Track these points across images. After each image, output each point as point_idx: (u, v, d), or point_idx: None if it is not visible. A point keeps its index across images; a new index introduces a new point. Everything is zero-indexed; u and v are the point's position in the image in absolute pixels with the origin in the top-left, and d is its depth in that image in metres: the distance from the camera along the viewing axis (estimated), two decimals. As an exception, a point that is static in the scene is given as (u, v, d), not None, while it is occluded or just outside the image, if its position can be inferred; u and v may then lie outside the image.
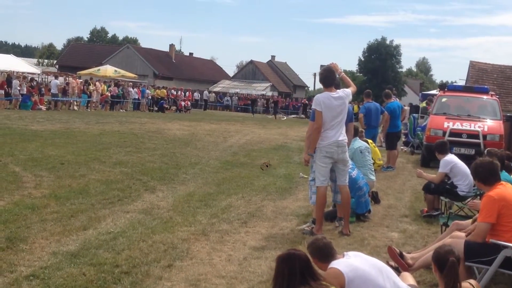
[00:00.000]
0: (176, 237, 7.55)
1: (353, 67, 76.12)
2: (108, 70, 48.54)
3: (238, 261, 6.73)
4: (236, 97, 65.25)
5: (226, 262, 6.68)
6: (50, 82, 39.70)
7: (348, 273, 4.54)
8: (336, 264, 4.66)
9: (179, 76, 73.46)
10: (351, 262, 4.68)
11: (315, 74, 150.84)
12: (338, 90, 8.27)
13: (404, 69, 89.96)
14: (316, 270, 4.35)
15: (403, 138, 22.90)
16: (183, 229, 8.01)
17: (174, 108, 46.11)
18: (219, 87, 74.00)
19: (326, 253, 4.78)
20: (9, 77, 33.13)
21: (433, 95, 24.94)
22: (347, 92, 8.33)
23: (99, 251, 6.69)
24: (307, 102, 56.64)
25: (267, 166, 13.67)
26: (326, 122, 8.12)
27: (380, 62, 72.70)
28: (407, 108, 24.77)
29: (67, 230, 7.51)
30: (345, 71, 9.00)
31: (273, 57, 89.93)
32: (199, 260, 6.68)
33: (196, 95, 60.42)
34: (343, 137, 8.28)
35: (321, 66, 10.02)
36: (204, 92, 61.84)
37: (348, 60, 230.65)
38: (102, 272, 6.00)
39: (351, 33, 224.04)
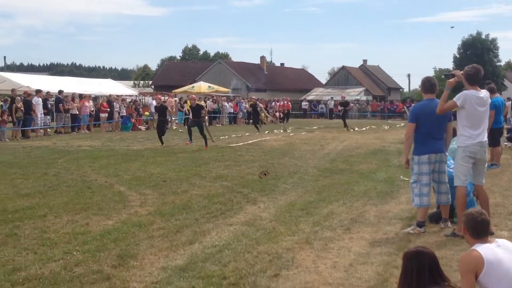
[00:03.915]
0: (281, 247, 7.57)
1: (449, 64, 73.88)
2: (202, 86, 49.61)
3: (344, 268, 6.67)
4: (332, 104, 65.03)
5: (332, 269, 6.64)
6: (147, 102, 40.87)
7: (488, 264, 4.24)
8: (482, 248, 4.39)
9: (272, 87, 73.94)
10: (498, 252, 4.38)
11: (409, 75, 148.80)
12: (482, 90, 8.24)
13: (502, 63, 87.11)
14: (443, 271, 4.20)
15: (505, 134, 22.13)
16: (287, 238, 8.03)
17: (270, 119, 46.34)
18: (312, 95, 73.90)
19: (479, 229, 4.56)
20: (109, 100, 34.37)
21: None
22: (489, 94, 8.42)
23: (206, 264, 6.80)
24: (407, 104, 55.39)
25: (265, 174, 13.53)
26: (471, 120, 8.08)
27: (477, 58, 70.11)
28: (509, 103, 23.91)
29: (174, 245, 7.68)
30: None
31: (365, 61, 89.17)
32: (304, 268, 6.67)
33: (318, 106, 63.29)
34: (486, 137, 8.26)
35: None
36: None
37: (443, 58, 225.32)
38: (210, 284, 6.09)
39: (444, 30, 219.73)
